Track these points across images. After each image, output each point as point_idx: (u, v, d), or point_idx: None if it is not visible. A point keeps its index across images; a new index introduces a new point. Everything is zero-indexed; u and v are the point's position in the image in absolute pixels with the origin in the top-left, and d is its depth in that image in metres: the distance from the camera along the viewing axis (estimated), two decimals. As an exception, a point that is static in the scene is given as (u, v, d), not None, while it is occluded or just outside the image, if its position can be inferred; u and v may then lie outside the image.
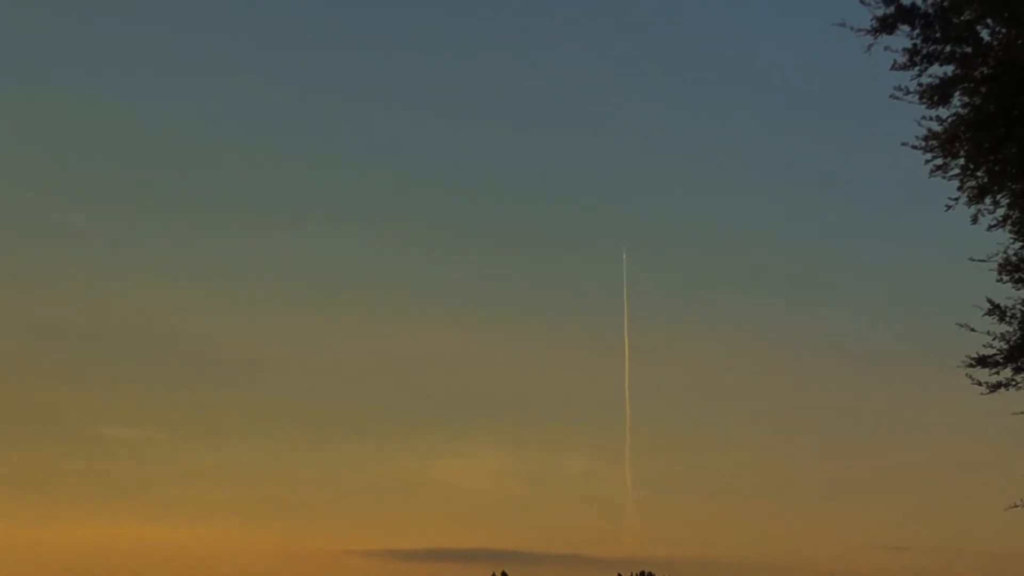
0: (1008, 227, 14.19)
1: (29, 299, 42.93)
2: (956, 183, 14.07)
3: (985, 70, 13.46)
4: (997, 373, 14.56)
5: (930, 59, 13.68)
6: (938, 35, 13.56)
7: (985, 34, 13.48)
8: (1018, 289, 14.35)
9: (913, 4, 13.53)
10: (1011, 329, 14.41)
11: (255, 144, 47.26)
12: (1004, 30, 13.23)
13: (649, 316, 39.90)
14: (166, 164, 46.39)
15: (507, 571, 58.45)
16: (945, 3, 13.44)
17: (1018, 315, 14.39)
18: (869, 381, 40.29)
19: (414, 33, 47.68)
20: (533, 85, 47.76)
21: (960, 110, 13.79)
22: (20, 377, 41.54)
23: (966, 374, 14.61)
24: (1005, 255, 14.30)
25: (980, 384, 14.63)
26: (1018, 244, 14.27)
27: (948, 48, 13.63)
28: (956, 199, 14.15)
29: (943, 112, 13.84)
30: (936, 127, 13.89)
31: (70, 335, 42.12)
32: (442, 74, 47.19)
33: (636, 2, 45.95)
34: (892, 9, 13.57)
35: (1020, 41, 13.03)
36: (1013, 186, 13.92)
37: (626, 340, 36.05)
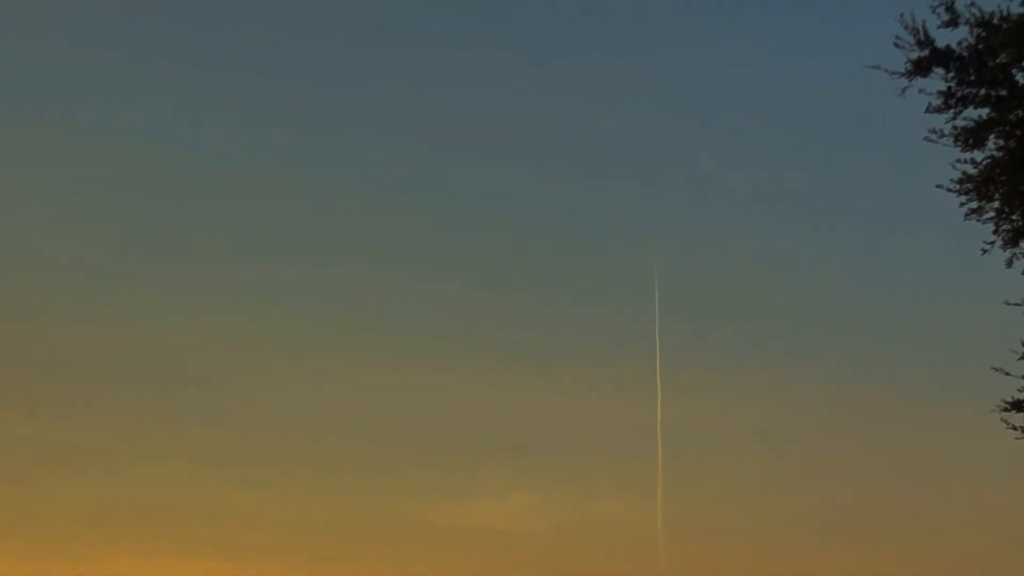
0: (1044, 271, 14.12)
1: (56, 335, 42.76)
2: (991, 226, 14.02)
3: (1020, 113, 13.43)
4: (1032, 418, 14.44)
5: (965, 102, 13.66)
6: (973, 78, 13.55)
7: (1020, 77, 13.45)
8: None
9: (948, 47, 13.52)
10: (1046, 374, 14.31)
11: (281, 182, 47.16)
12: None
13: (682, 355, 39.67)
14: (195, 202, 46.30)
15: (537, 612, 58.21)
16: (980, 46, 13.43)
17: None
18: (904, 425, 39.96)
19: (438, 69, 47.43)
20: (565, 125, 47.47)
21: (995, 153, 13.75)
22: (45, 412, 41.38)
23: (1001, 418, 14.50)
24: (1041, 299, 14.22)
25: (1015, 429, 14.51)
26: (1054, 288, 14.18)
27: (983, 91, 13.61)
28: (991, 242, 14.10)
29: (978, 155, 13.81)
30: (971, 170, 13.85)
31: (98, 371, 42.00)
32: (468, 113, 47.03)
33: (671, 47, 45.85)
34: (927, 52, 13.57)
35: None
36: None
37: (658, 379, 35.74)
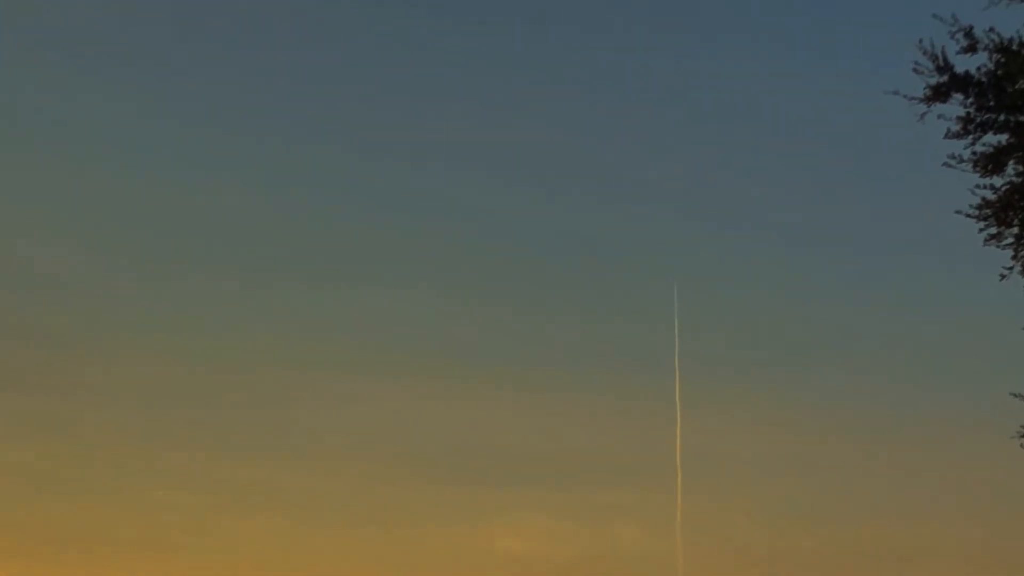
0: (1062, 297, 14.08)
1: (81, 359, 42.85)
2: (1010, 252, 14.00)
3: (1040, 139, 13.43)
4: (1052, 444, 14.38)
5: (984, 127, 13.65)
6: (992, 103, 13.54)
7: (1039, 103, 13.46)
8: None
9: (967, 72, 13.52)
10: (1066, 400, 14.25)
11: (306, 204, 47.20)
12: (1059, 99, 13.22)
13: (702, 380, 39.59)
14: (215, 224, 46.39)
15: (554, 637, 58.06)
16: (999, 72, 13.43)
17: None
18: (926, 451, 39.79)
19: (456, 95, 47.56)
20: (583, 147, 47.53)
21: (1014, 179, 13.74)
22: (70, 436, 41.44)
23: (1020, 444, 14.44)
24: (1060, 325, 14.19)
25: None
26: (1073, 314, 14.15)
27: (1002, 117, 13.60)
28: (1010, 268, 14.07)
29: (997, 181, 13.80)
30: (990, 196, 13.84)
31: (122, 395, 42.07)
32: (486, 135, 47.14)
33: (688, 70, 45.87)
34: (946, 77, 13.57)
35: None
36: (1068, 256, 13.85)
37: (678, 402, 35.67)
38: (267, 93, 46.76)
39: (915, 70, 13.64)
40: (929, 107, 13.71)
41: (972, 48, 13.34)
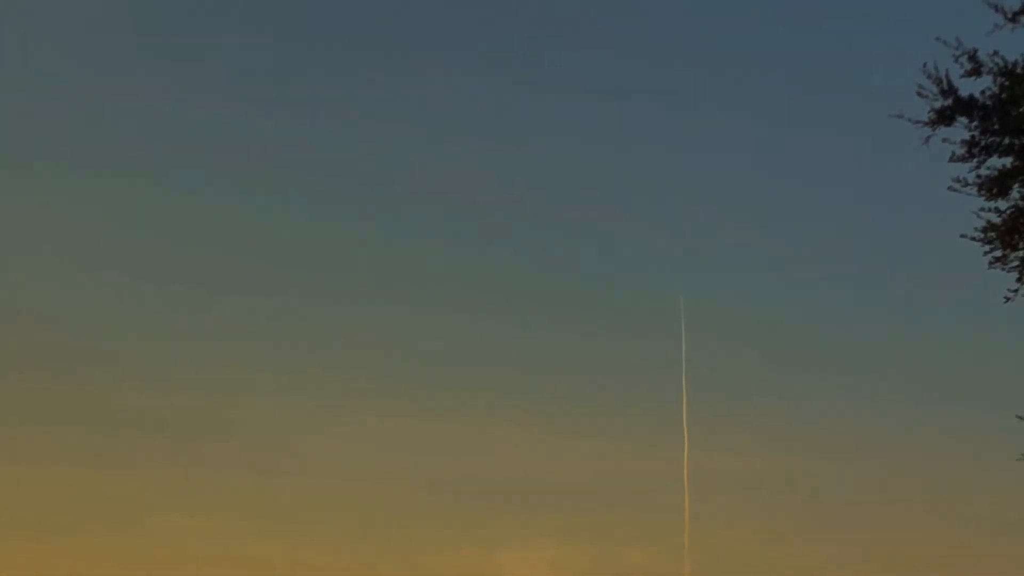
0: (1068, 320, 14.12)
1: (82, 386, 42.91)
2: (1015, 275, 14.03)
3: (1044, 162, 13.48)
4: (1058, 467, 14.39)
5: (989, 151, 13.70)
6: (997, 127, 13.59)
7: (1044, 126, 13.50)
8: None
9: (971, 96, 13.57)
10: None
11: (318, 227, 47.30)
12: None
13: (709, 405, 39.56)
14: (236, 244, 46.49)
15: (561, 662, 57.86)
16: (1003, 95, 13.48)
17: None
18: (927, 473, 39.71)
19: (463, 118, 47.68)
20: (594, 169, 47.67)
21: (1020, 202, 13.77)
22: (67, 462, 41.46)
23: (1028, 466, 14.44)
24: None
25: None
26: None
27: (1007, 140, 13.65)
28: (1015, 290, 14.11)
29: (1002, 204, 13.85)
30: (995, 219, 13.88)
31: (120, 421, 42.10)
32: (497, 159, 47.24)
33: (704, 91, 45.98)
34: (950, 101, 13.62)
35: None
36: (1073, 278, 13.88)
37: (684, 427, 35.61)
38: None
39: (919, 94, 13.71)
40: (934, 131, 13.77)
41: (977, 71, 13.40)
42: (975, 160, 13.76)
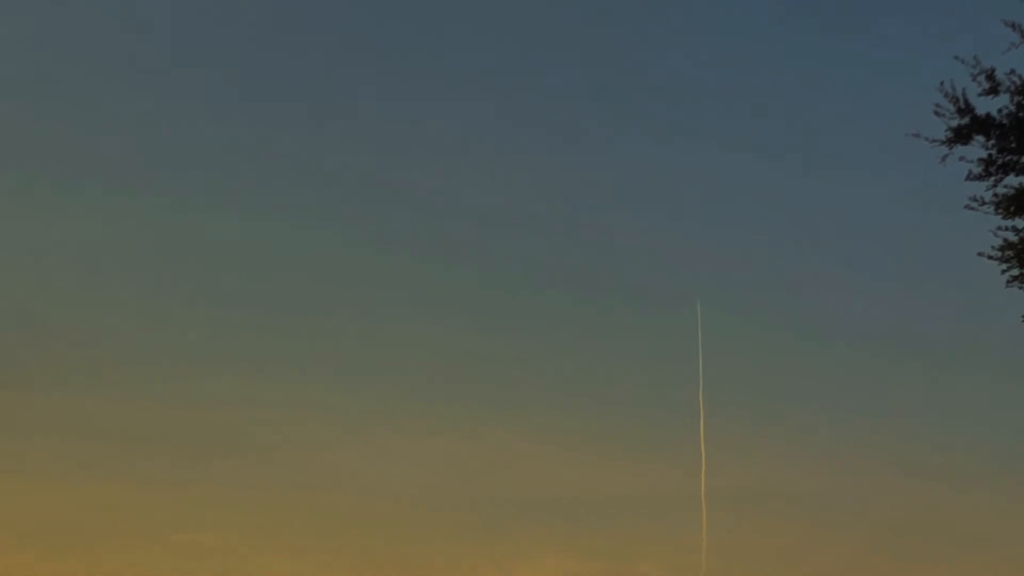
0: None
1: (107, 402, 43.01)
2: (1033, 294, 13.99)
3: (1061, 181, 13.44)
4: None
5: (1005, 169, 13.68)
6: (1013, 145, 13.56)
7: (1061, 145, 13.47)
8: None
9: (988, 115, 13.55)
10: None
11: (338, 247, 47.41)
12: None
13: (726, 422, 39.50)
14: (255, 266, 46.62)
15: None
16: (1020, 114, 13.45)
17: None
18: (949, 495, 39.55)
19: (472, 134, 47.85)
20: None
21: (1037, 221, 13.74)
22: (87, 477, 41.53)
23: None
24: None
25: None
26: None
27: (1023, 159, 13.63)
28: (1033, 309, 14.06)
29: (1019, 222, 13.81)
30: (1012, 237, 13.84)
31: (140, 436, 42.17)
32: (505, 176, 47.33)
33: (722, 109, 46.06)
34: (967, 120, 13.60)
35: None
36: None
37: (702, 445, 35.56)
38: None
39: (936, 112, 13.68)
40: (951, 149, 13.74)
41: (994, 90, 13.38)
42: (992, 179, 13.74)
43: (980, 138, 13.63)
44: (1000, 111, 13.51)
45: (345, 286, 46.97)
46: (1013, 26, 13.25)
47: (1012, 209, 13.80)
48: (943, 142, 13.70)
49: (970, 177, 13.78)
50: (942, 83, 13.57)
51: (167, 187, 45.88)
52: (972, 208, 13.81)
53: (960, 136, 13.69)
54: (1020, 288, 13.99)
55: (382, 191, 46.58)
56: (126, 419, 42.70)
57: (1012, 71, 13.30)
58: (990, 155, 13.66)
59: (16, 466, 40.85)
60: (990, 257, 13.95)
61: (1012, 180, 13.70)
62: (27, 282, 43.00)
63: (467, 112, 46.55)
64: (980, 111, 13.53)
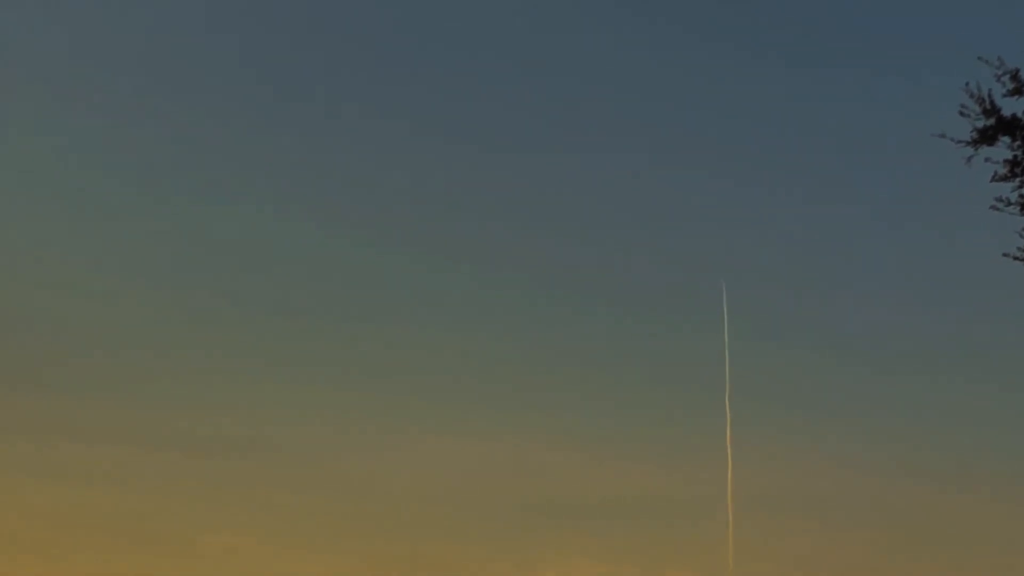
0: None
1: (128, 406, 43.28)
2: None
3: (1087, 182, 13.42)
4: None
5: (1031, 170, 13.66)
6: (1039, 146, 13.56)
7: (1086, 145, 13.45)
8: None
9: (1013, 115, 13.54)
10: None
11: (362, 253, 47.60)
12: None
13: (752, 426, 39.49)
14: (269, 266, 46.80)
15: None
16: (1046, 115, 13.46)
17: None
18: (973, 501, 39.48)
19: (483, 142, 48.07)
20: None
21: (1063, 222, 13.71)
22: (118, 482, 41.77)
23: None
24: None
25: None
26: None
27: (1049, 160, 13.62)
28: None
29: (1044, 222, 13.79)
30: (1038, 238, 13.82)
31: (166, 441, 42.38)
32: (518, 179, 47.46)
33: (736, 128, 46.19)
34: (992, 120, 13.59)
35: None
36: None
37: (728, 450, 35.55)
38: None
39: (961, 113, 13.68)
40: (976, 150, 13.73)
41: (1019, 91, 13.38)
42: (1018, 180, 13.71)
43: (1006, 139, 13.62)
44: (1025, 112, 13.51)
45: (375, 292, 47.05)
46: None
47: (1038, 210, 13.78)
48: (968, 143, 13.70)
49: (995, 178, 13.77)
50: (967, 84, 13.58)
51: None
52: (997, 209, 13.79)
53: (986, 137, 13.68)
54: (1045, 288, 13.97)
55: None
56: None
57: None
58: (1015, 156, 13.65)
59: (23, 467, 41.03)
60: (1016, 258, 13.93)
61: (1037, 181, 13.69)
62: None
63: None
64: (1006, 112, 13.53)
